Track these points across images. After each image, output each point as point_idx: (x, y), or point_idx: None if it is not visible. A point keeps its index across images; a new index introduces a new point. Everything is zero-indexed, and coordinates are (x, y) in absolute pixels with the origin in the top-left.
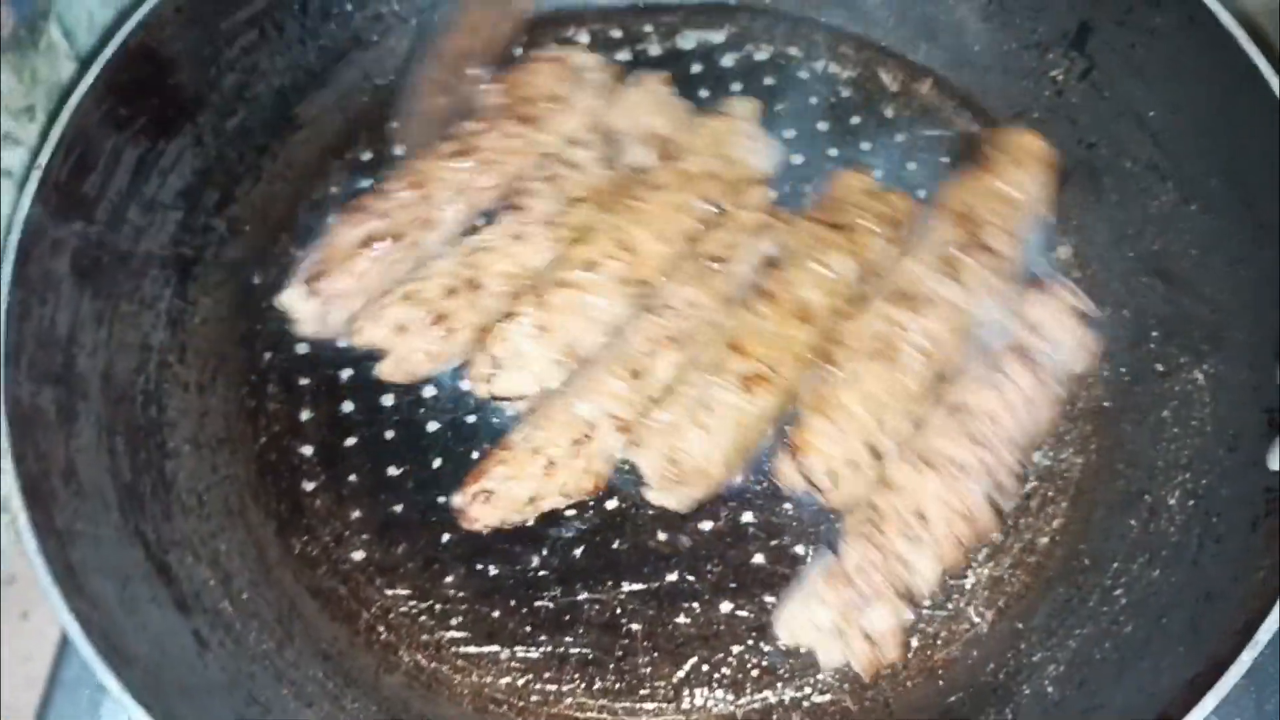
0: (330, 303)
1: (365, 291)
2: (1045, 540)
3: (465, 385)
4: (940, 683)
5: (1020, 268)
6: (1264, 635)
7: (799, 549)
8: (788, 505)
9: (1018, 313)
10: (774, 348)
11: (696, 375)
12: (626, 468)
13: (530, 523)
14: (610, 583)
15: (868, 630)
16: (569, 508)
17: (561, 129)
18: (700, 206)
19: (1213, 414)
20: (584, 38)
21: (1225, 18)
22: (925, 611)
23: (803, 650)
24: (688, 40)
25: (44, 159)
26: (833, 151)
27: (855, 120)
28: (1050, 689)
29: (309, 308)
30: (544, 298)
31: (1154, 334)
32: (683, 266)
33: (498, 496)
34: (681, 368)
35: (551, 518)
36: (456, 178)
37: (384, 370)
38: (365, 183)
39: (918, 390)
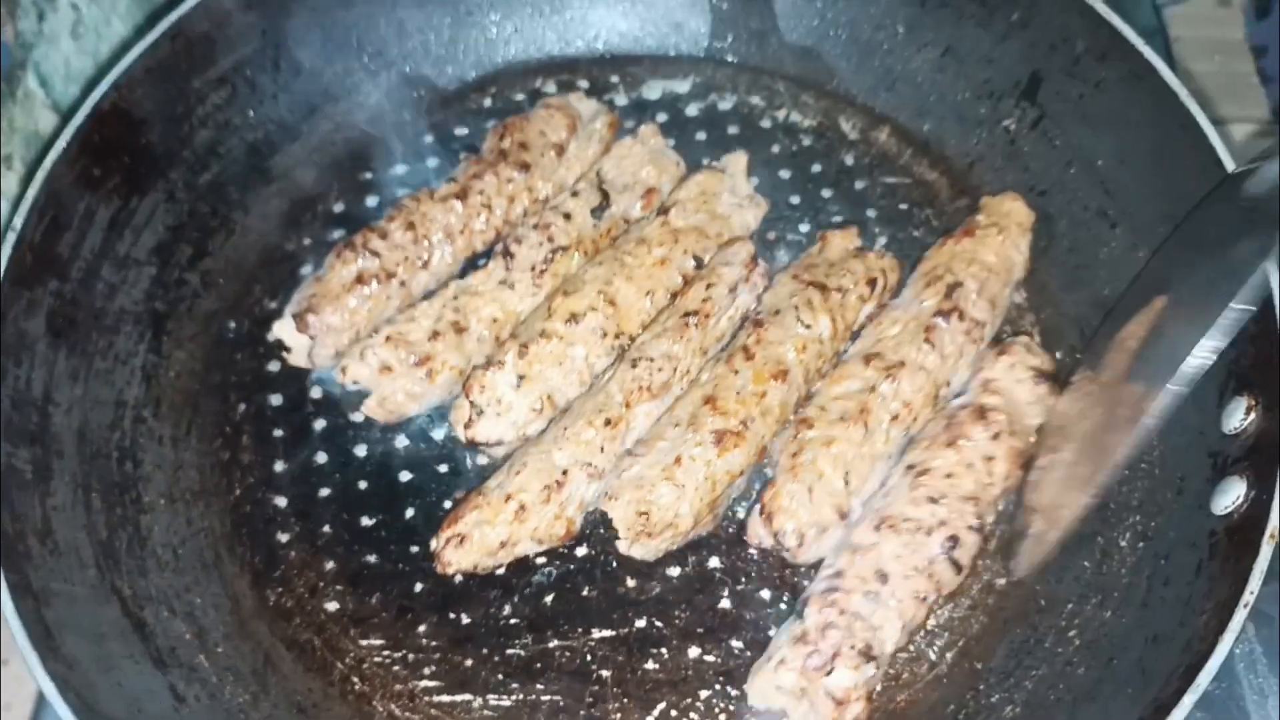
0: (318, 337)
1: (353, 327)
2: (1002, 581)
3: (437, 435)
4: None
5: (993, 331)
6: (1204, 679)
7: (764, 593)
8: (753, 550)
9: (979, 373)
10: (749, 405)
11: (671, 429)
12: (596, 516)
13: (502, 570)
14: (581, 630)
15: (830, 690)
16: (540, 555)
17: (556, 177)
18: (685, 261)
19: (1161, 457)
20: (550, 88)
21: (1165, 73)
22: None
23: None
24: (653, 90)
25: (18, 221)
26: (794, 199)
27: (816, 168)
28: None
29: (299, 340)
30: (526, 347)
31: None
32: (663, 320)
33: (471, 541)
34: (658, 421)
35: (523, 565)
36: (450, 220)
37: (367, 408)
38: (337, 234)
39: (886, 451)
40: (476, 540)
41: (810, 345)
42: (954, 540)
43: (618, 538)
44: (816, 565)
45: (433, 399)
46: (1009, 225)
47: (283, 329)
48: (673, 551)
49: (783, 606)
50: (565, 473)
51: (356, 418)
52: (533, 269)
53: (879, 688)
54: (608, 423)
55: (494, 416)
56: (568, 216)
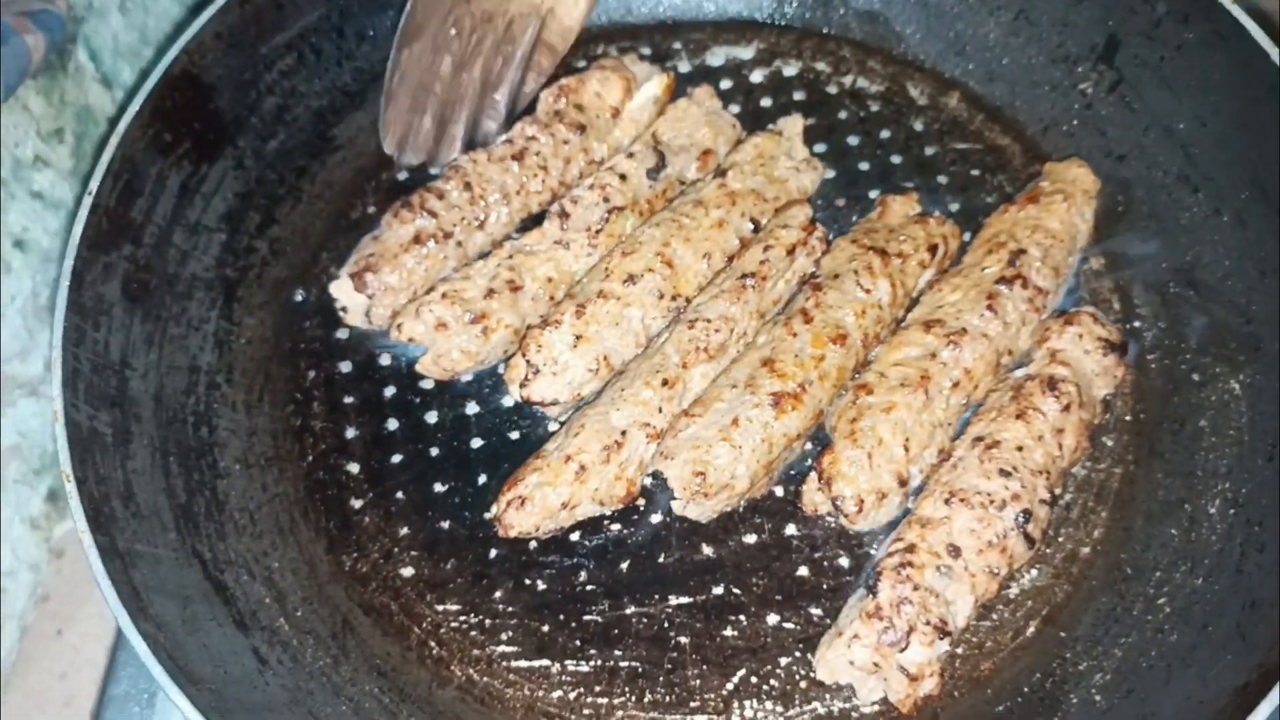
0: (376, 296)
1: (410, 287)
2: (1087, 550)
3: (507, 402)
4: (988, 691)
5: (1057, 301)
6: None
7: (842, 561)
8: (830, 518)
9: (1045, 343)
10: (807, 368)
11: (729, 390)
12: (664, 482)
13: (576, 536)
14: (657, 596)
15: (904, 665)
16: (613, 522)
17: (612, 138)
18: (742, 224)
19: (1250, 423)
20: (613, 55)
21: (1255, 31)
22: (970, 622)
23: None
24: (717, 57)
25: (94, 185)
26: (863, 166)
27: (885, 134)
28: (1098, 697)
29: (356, 300)
30: (583, 307)
31: (1189, 344)
32: (720, 282)
33: (532, 503)
34: (714, 383)
35: (597, 530)
36: (506, 180)
37: (423, 365)
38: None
39: (946, 419)
40: (538, 502)
41: (869, 310)
42: (1027, 514)
43: (674, 499)
44: (887, 531)
45: (488, 357)
46: (1074, 192)
47: (340, 289)
48: (750, 519)
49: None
50: (624, 433)
51: (427, 385)
52: (588, 229)
53: (960, 657)
54: (665, 383)
55: (550, 376)
56: (623, 177)
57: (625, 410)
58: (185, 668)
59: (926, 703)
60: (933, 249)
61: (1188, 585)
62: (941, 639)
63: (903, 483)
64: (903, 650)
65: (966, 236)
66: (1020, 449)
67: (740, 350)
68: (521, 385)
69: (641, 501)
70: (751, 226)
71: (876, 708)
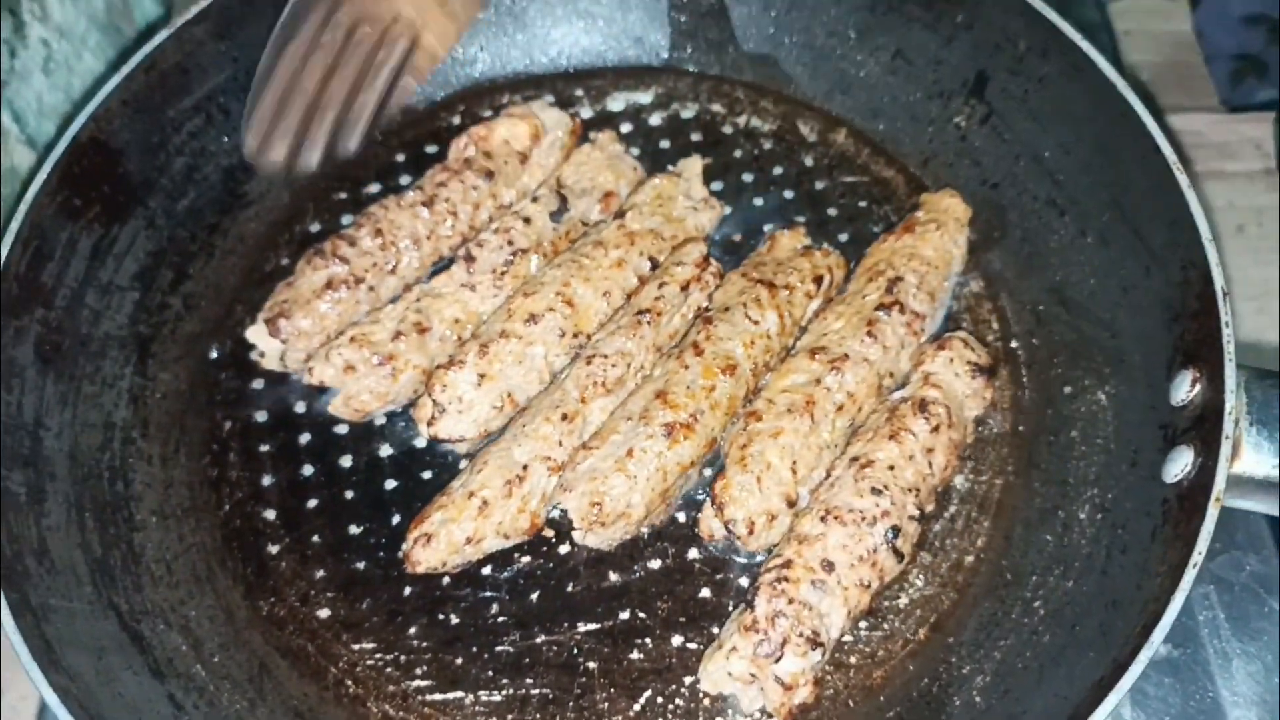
0: (290, 341)
1: (324, 331)
2: (971, 558)
3: (420, 444)
4: (880, 699)
5: (935, 324)
6: (1158, 636)
7: (743, 581)
8: (725, 541)
9: (920, 366)
10: (698, 398)
11: (624, 423)
12: (559, 511)
13: (488, 571)
14: (566, 624)
15: (779, 676)
16: (523, 554)
17: (520, 184)
18: (641, 263)
19: (1116, 431)
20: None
21: (1103, 65)
22: (863, 633)
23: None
24: (617, 101)
25: (3, 252)
26: (758, 201)
27: (778, 170)
28: (979, 699)
29: (271, 345)
30: (486, 347)
31: (1060, 359)
32: (617, 319)
33: (437, 539)
34: (610, 415)
35: (507, 563)
36: (417, 226)
37: (334, 407)
38: None
39: (832, 441)
40: (443, 538)
41: (758, 341)
42: (896, 529)
43: (575, 529)
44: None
45: (398, 397)
46: (947, 221)
47: (256, 334)
48: (654, 544)
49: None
50: (525, 467)
51: (341, 430)
52: (493, 271)
53: (854, 667)
54: (564, 418)
55: (455, 414)
56: (527, 221)
57: (527, 445)
58: (98, 717)
59: (802, 711)
60: (818, 280)
61: (1060, 588)
62: (814, 650)
63: (791, 504)
64: (777, 661)
65: (854, 265)
66: (892, 468)
67: (638, 383)
68: (429, 424)
69: (550, 533)
70: (650, 265)
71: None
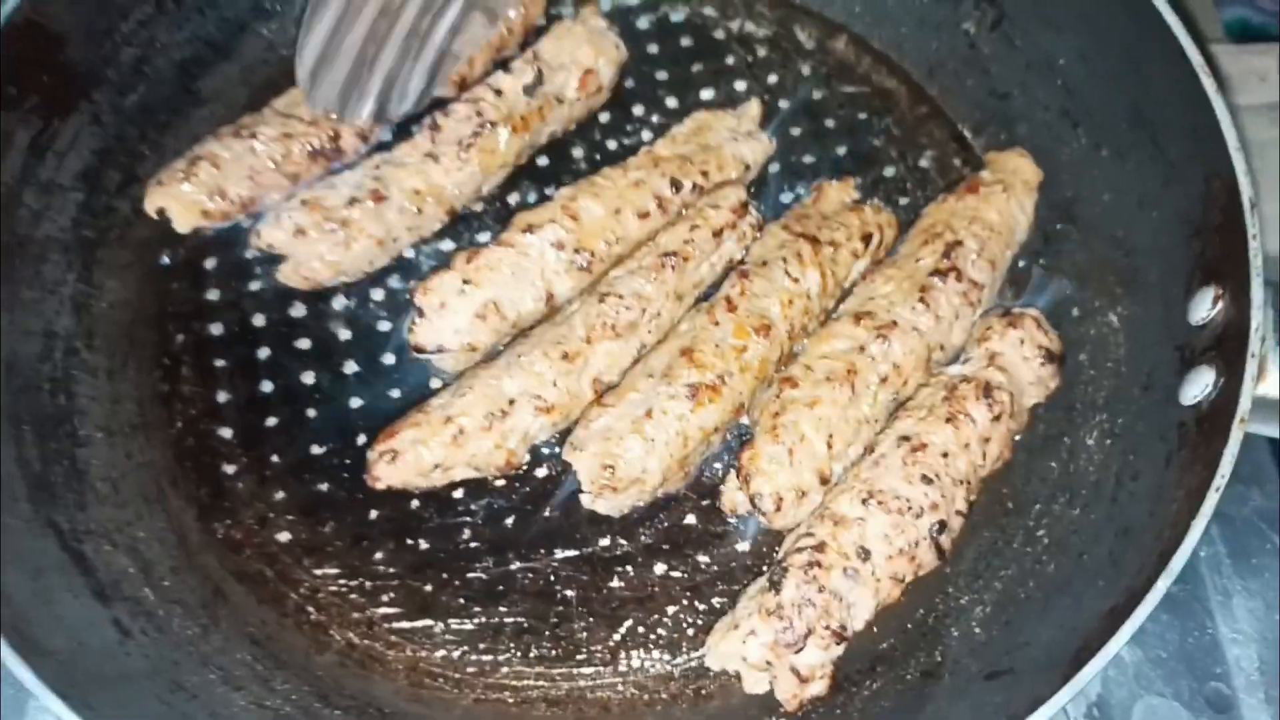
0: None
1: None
2: None
3: (388, 360)
4: (873, 629)
5: (992, 295)
6: (1178, 563)
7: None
8: (717, 465)
9: (984, 343)
10: (728, 359)
11: (644, 380)
12: (555, 441)
13: (460, 494)
14: (543, 551)
15: (797, 667)
16: (498, 478)
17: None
18: (661, 184)
19: (1127, 354)
20: None
21: None
22: None
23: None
24: (604, 3)
25: None
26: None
27: (772, 79)
28: (978, 630)
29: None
30: (476, 252)
31: (1070, 280)
32: (639, 257)
33: (404, 459)
34: (631, 371)
35: (481, 487)
36: None
37: (283, 273)
38: None
39: (873, 416)
40: (410, 459)
41: (797, 300)
42: (943, 525)
43: (582, 492)
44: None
45: (350, 268)
46: (1015, 183)
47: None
48: None
49: (749, 523)
50: (512, 402)
51: (303, 345)
52: (459, 143)
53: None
54: (564, 356)
55: (435, 320)
56: (499, 93)
57: (519, 378)
58: (32, 639)
59: (813, 704)
60: (866, 238)
61: (1065, 516)
62: (838, 644)
63: (825, 481)
64: (797, 652)
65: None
66: (946, 455)
67: (651, 331)
68: (409, 332)
69: (527, 458)
70: (672, 187)
71: None
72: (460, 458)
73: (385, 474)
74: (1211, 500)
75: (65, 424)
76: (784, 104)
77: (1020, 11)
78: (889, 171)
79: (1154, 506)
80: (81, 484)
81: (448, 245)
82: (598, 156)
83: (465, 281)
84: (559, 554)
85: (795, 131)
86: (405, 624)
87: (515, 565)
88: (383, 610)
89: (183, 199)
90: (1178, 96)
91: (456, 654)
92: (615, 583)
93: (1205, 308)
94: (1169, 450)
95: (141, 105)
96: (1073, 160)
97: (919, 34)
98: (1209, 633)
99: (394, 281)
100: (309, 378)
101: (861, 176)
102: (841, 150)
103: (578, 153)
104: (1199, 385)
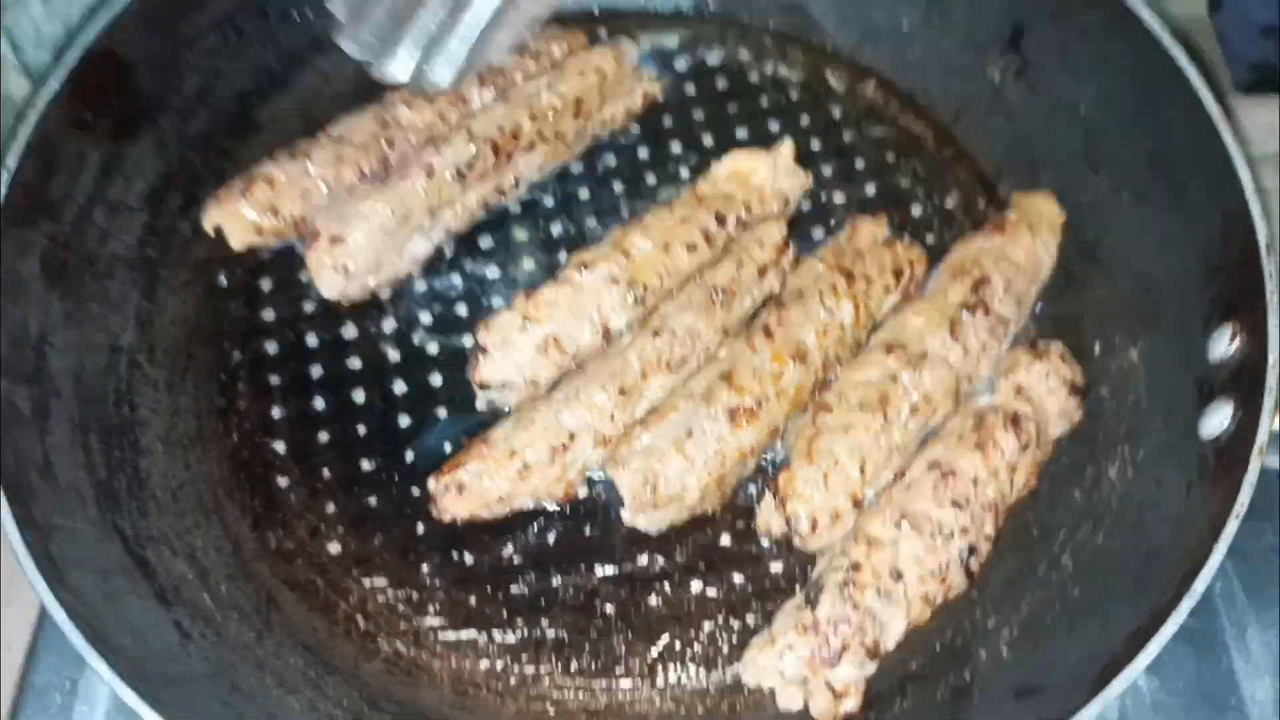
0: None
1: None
2: None
3: (435, 381)
4: (903, 650)
5: (1017, 329)
6: (1200, 584)
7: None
8: (751, 488)
9: (1011, 375)
10: (765, 384)
11: (685, 402)
12: (600, 478)
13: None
14: (583, 567)
15: (831, 682)
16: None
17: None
18: (707, 220)
19: (1148, 388)
20: None
21: (1148, 18)
22: None
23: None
24: (642, 45)
25: (11, 161)
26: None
27: (805, 120)
28: (1005, 651)
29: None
30: (535, 291)
31: (1090, 317)
32: (690, 292)
33: (470, 491)
34: (671, 392)
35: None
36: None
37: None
38: None
39: (903, 443)
40: (475, 491)
41: (832, 330)
42: (972, 549)
43: (622, 507)
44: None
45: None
46: (1039, 224)
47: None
48: None
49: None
50: (572, 436)
51: (354, 365)
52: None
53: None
54: (621, 390)
55: (499, 357)
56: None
57: (578, 412)
58: (105, 637)
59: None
60: (898, 273)
61: (1090, 543)
62: (871, 660)
63: (857, 504)
64: (833, 667)
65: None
66: (975, 481)
67: (700, 362)
68: (473, 369)
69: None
70: (716, 221)
71: None
72: (524, 489)
73: (452, 505)
74: (1232, 526)
75: (128, 434)
76: (816, 144)
77: (1043, 60)
78: (916, 210)
79: (1176, 533)
80: (143, 492)
81: (493, 271)
82: (639, 189)
83: (526, 319)
84: (599, 570)
85: (827, 170)
86: (450, 635)
87: (556, 580)
88: (429, 621)
89: (238, 216)
90: (1195, 143)
91: (499, 665)
92: (653, 599)
93: (1224, 344)
94: (1189, 480)
95: (203, 131)
96: (1094, 202)
97: (945, 80)
98: (1225, 665)
99: (439, 305)
100: (359, 395)
101: (890, 215)
102: (871, 189)
103: (618, 187)
104: (1218, 418)
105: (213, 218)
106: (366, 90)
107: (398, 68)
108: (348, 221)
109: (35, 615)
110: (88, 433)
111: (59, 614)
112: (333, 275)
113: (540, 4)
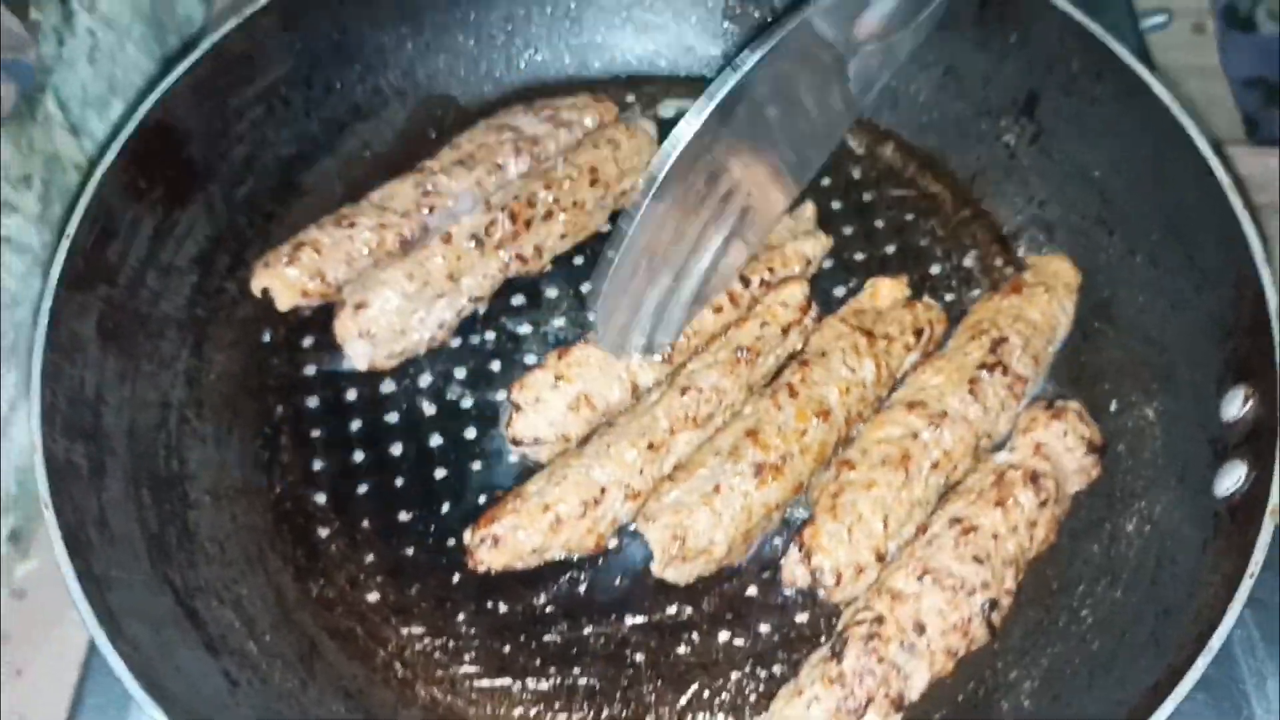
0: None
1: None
2: None
3: (470, 434)
4: (926, 701)
5: (1036, 388)
6: (1216, 642)
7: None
8: (777, 541)
9: (1029, 433)
10: (790, 441)
11: (712, 458)
12: (630, 529)
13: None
14: (614, 616)
15: None
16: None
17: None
18: (733, 283)
19: (1164, 446)
20: None
21: (1158, 88)
22: None
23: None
24: (668, 109)
25: (71, 228)
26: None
27: (825, 182)
28: (1026, 703)
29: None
30: (566, 350)
31: (1107, 376)
32: (715, 350)
33: (504, 543)
34: (698, 448)
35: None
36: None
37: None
38: None
39: (924, 498)
40: (510, 544)
41: (854, 388)
42: (994, 603)
43: (652, 561)
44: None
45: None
46: (1056, 285)
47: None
48: None
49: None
50: (603, 491)
51: (392, 419)
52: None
53: None
54: (650, 446)
55: (532, 414)
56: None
57: (609, 468)
58: (161, 686)
59: None
60: (918, 333)
61: (1108, 598)
62: (896, 712)
63: (880, 558)
64: (859, 718)
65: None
66: (995, 537)
67: (725, 419)
68: (508, 425)
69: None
70: (741, 284)
71: None
72: (556, 542)
73: (487, 558)
74: (1246, 585)
75: (177, 487)
76: (836, 205)
77: (1057, 126)
78: (935, 269)
79: (1192, 590)
80: (192, 544)
81: (525, 327)
82: None
83: (558, 377)
84: (629, 620)
85: (847, 230)
86: (485, 682)
87: (588, 630)
88: (464, 669)
89: (286, 279)
90: (1206, 210)
91: (533, 712)
92: (682, 649)
93: (1236, 406)
94: (1205, 538)
95: (249, 196)
96: (1109, 264)
97: (962, 144)
98: (1244, 714)
99: (474, 360)
100: (397, 449)
101: (909, 274)
102: (890, 249)
103: None
104: (1232, 477)
105: (261, 280)
106: (406, 154)
107: (634, 350)
108: (370, 289)
109: (81, 660)
110: (140, 487)
111: (118, 664)
112: (359, 343)
113: (743, 256)
